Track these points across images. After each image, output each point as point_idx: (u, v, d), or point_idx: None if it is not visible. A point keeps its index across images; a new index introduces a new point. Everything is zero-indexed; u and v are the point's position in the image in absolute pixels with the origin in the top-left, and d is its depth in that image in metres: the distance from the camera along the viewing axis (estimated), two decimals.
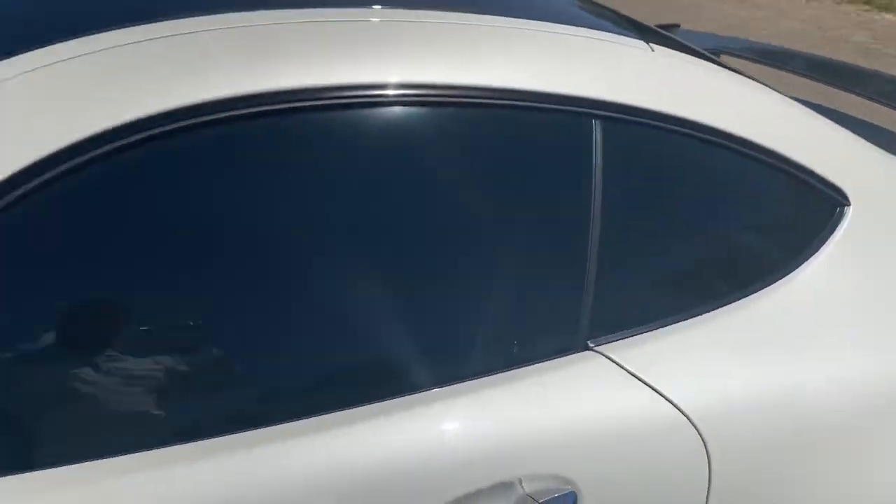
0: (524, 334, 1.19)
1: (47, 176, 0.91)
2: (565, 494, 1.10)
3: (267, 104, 1.02)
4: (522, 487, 1.08)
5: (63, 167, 0.91)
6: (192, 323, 1.02)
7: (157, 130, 0.96)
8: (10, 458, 0.92)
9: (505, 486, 1.07)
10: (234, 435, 0.98)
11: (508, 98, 1.16)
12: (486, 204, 1.17)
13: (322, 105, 1.05)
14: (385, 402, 1.06)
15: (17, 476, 0.89)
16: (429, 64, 1.14)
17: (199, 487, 0.94)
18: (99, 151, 0.93)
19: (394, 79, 1.09)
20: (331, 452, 1.00)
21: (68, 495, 0.90)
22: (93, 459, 0.92)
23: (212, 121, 0.99)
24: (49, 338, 0.96)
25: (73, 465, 0.91)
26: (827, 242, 1.37)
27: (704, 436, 1.20)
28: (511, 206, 1.19)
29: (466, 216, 1.15)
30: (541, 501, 1.08)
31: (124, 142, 0.94)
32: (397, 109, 1.12)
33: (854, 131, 1.51)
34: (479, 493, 1.06)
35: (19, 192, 0.90)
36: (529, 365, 1.16)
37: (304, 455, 0.99)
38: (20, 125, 0.92)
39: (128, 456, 0.93)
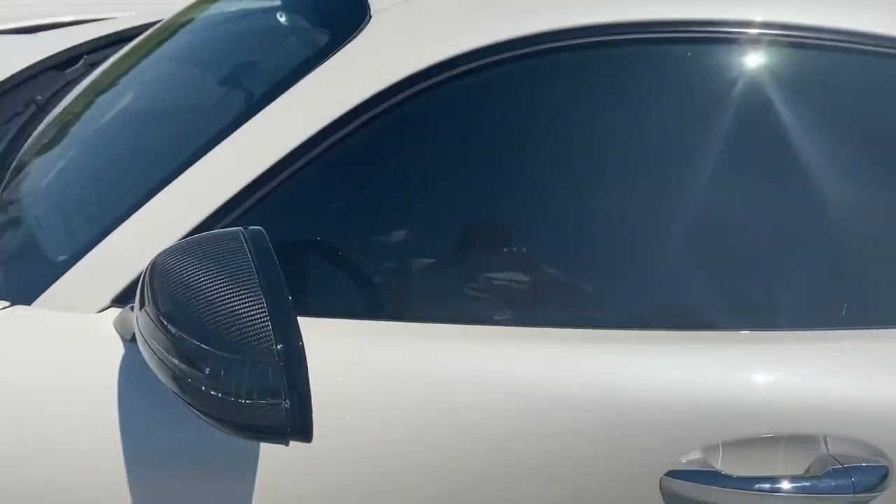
0: (857, 297, 1.13)
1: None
2: (876, 466, 1.05)
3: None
4: (827, 446, 1.05)
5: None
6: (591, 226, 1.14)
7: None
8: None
9: (807, 440, 1.05)
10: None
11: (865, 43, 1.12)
12: (835, 154, 1.13)
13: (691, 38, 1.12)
14: (704, 332, 1.09)
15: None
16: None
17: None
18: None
19: (754, 18, 1.11)
20: (658, 366, 1.06)
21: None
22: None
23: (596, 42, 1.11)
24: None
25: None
26: None
27: None
28: (862, 158, 1.14)
29: (814, 164, 1.12)
30: (845, 466, 1.04)
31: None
32: (755, 47, 1.13)
33: None
34: (778, 439, 1.05)
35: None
36: (857, 329, 1.11)
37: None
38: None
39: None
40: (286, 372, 0.79)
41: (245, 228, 0.90)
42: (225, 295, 0.83)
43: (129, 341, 1.01)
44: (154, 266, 0.89)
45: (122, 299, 1.05)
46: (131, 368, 1.00)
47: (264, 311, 0.81)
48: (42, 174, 1.33)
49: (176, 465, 0.99)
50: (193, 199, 1.04)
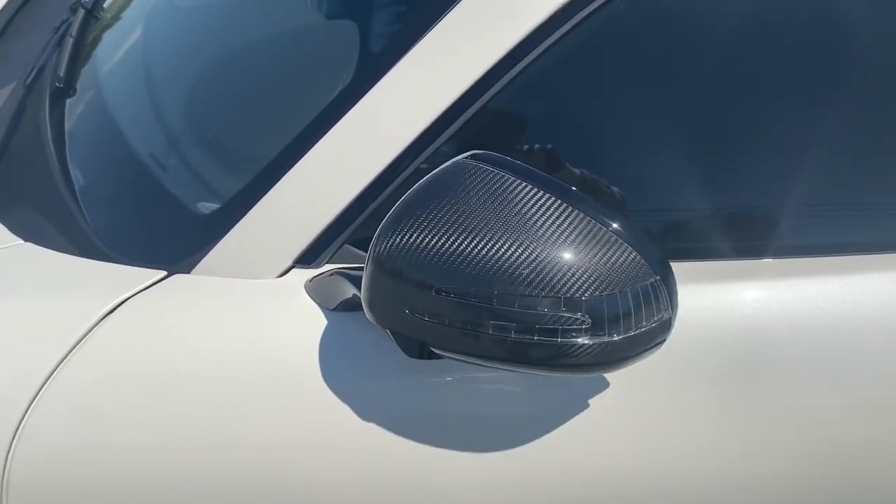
0: None
1: None
2: None
3: None
4: None
5: None
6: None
7: None
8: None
9: None
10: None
11: None
12: None
13: None
14: None
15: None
16: None
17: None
18: None
19: None
20: None
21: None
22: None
23: None
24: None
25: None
26: None
27: None
28: None
29: None
30: None
31: None
32: None
33: None
34: None
35: None
36: None
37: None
38: None
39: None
40: (663, 278, 0.72)
41: (470, 155, 0.75)
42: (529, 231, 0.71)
43: (333, 310, 0.84)
44: (387, 249, 0.73)
45: (306, 260, 0.87)
46: (342, 339, 0.83)
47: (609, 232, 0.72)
48: (156, 110, 1.09)
49: (411, 433, 0.85)
50: (389, 125, 0.85)
